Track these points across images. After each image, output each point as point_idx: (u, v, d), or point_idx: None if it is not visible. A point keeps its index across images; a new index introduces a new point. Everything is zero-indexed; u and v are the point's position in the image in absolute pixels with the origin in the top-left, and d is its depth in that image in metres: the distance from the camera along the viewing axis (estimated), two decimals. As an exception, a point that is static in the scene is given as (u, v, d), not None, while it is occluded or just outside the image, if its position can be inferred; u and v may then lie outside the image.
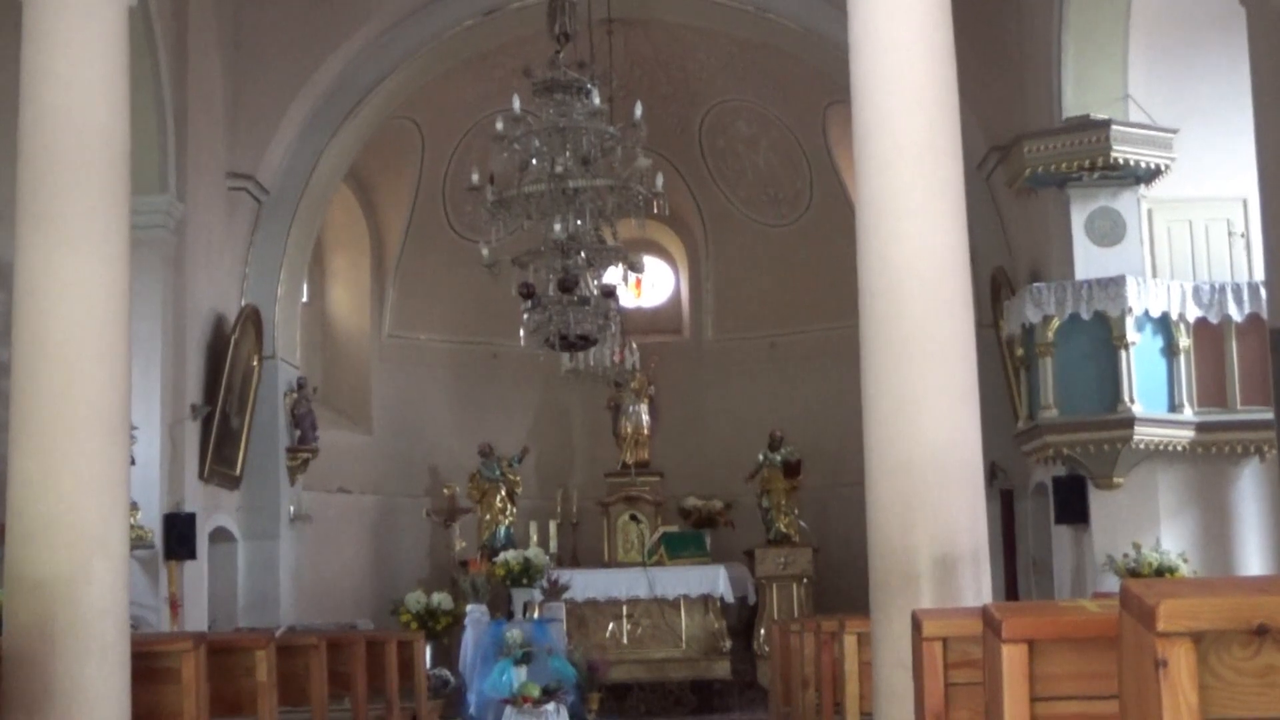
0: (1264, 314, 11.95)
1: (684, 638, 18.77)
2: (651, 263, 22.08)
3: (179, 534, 14.81)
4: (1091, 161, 13.49)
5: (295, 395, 18.00)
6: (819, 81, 18.98)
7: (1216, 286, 13.43)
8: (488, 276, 14.86)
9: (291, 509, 17.83)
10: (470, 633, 15.30)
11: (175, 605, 14.71)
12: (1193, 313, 13.28)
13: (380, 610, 18.97)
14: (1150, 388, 13.19)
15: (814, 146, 21.11)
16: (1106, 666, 3.65)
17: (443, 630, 16.35)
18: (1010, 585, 16.02)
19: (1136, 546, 13.10)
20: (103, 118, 7.95)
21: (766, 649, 18.27)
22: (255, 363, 16.99)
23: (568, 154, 14.19)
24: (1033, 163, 13.68)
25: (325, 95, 17.65)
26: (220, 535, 16.55)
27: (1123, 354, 13.14)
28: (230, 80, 16.97)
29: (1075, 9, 13.98)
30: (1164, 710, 2.76)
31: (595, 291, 15.11)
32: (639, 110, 14.05)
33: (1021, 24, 15.58)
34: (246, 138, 17.15)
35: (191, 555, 15.01)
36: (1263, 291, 11.94)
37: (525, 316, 14.98)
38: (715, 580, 18.73)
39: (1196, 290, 13.36)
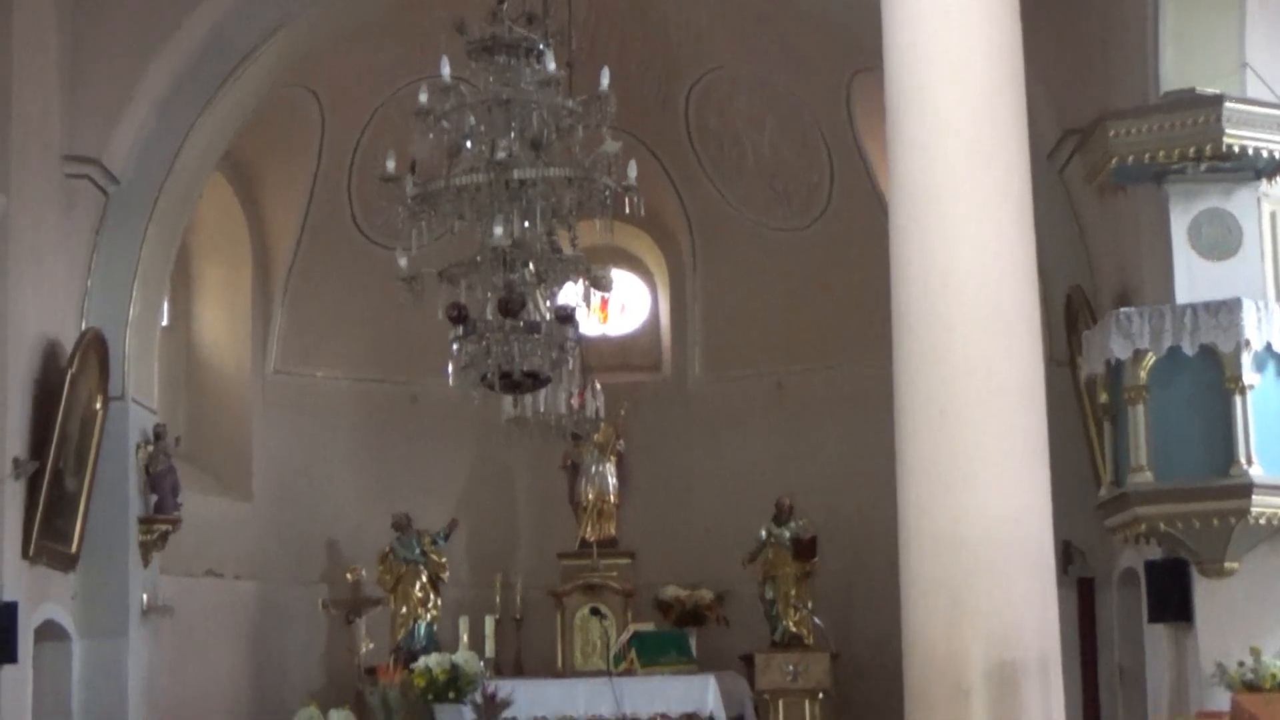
0: None
1: (661, 770, 18.73)
2: (622, 278, 22.09)
3: (-5, 630, 14.78)
4: (1198, 149, 13.49)
5: (151, 448, 17.91)
6: (842, 42, 19.03)
7: (1360, 313, 13.47)
8: (406, 295, 14.84)
9: (145, 598, 17.72)
10: (380, 763, 15.27)
11: (-11, 724, 14.66)
12: (1329, 347, 13.32)
13: (261, 732, 18.92)
14: (1273, 444, 13.20)
15: (835, 127, 21.17)
16: (1214, 807, 3.68)
17: (344, 760, 16.31)
18: (1090, 702, 16.02)
19: (1255, 652, 13.09)
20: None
21: (770, 786, 18.24)
22: (98, 405, 16.91)
23: (513, 135, 14.20)
24: (1121, 150, 13.68)
25: (193, 56, 17.60)
26: (50, 631, 16.45)
27: (1237, 400, 13.13)
28: (69, 37, 16.93)
29: (1177, -48, 14.06)
30: None
31: (547, 315, 15.10)
32: (606, 78, 14.07)
33: (1106, -29, 15.68)
34: (90, 111, 17.10)
35: (12, 658, 14.94)
36: None
37: (455, 348, 14.95)
38: (703, 694, 18.65)
39: (1334, 318, 13.40)
